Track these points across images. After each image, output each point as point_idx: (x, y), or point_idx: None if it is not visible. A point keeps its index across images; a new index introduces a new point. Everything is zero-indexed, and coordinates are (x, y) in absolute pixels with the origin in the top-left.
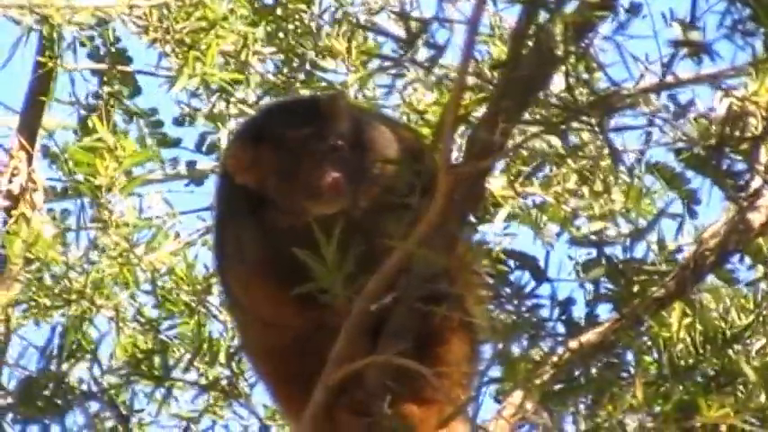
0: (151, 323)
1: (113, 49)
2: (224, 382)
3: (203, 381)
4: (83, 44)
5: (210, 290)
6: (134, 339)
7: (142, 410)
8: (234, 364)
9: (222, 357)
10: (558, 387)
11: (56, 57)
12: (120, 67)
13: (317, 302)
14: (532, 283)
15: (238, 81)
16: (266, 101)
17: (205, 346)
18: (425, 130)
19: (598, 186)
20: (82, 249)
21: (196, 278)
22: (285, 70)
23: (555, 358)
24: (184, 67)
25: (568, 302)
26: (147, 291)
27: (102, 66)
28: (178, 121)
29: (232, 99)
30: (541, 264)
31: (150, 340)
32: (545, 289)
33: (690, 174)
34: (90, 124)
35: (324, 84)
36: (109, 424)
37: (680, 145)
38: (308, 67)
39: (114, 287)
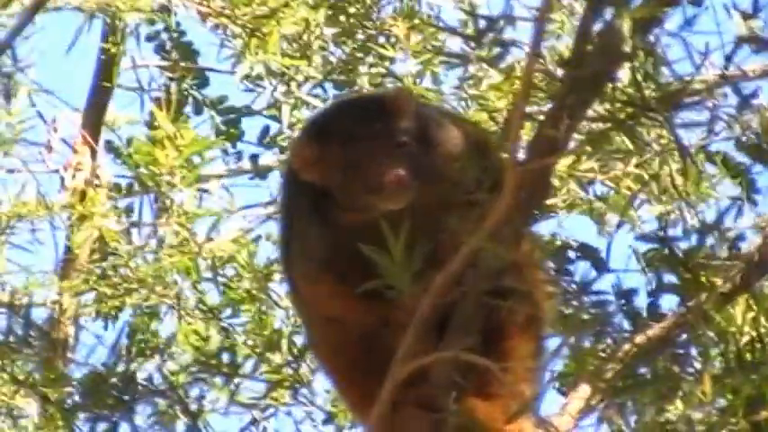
0: (212, 311)
1: (179, 42)
2: (288, 371)
3: (268, 375)
4: (149, 38)
5: (271, 277)
6: (196, 327)
7: (211, 410)
8: (296, 352)
9: (284, 345)
10: (625, 382)
11: (118, 44)
12: (186, 64)
13: (384, 299)
14: (594, 274)
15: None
16: (328, 88)
17: (266, 333)
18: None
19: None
20: (143, 240)
21: (257, 266)
22: (346, 49)
23: (621, 353)
24: (246, 51)
25: (631, 293)
26: (209, 278)
27: (167, 62)
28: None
29: (293, 83)
30: (602, 255)
31: (212, 327)
32: (607, 281)
33: (751, 165)
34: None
35: (384, 69)
36: (177, 420)
37: (743, 138)
38: (368, 53)
39: (175, 276)
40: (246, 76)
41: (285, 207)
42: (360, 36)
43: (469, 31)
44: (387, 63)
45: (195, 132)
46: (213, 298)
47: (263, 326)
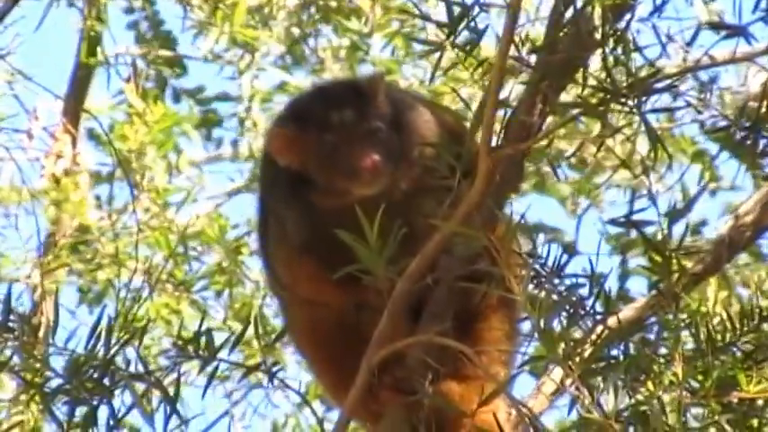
0: (183, 284)
1: (159, 31)
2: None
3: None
4: (130, 26)
5: (240, 250)
6: (168, 301)
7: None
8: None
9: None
10: (597, 364)
11: (100, 20)
12: (164, 52)
13: (360, 283)
14: (564, 258)
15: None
16: (288, 58)
17: (237, 306)
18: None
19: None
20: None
21: (227, 240)
22: (305, 17)
23: (593, 336)
24: (211, 22)
25: (602, 277)
26: (179, 253)
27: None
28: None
29: (256, 55)
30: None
31: (182, 301)
32: (578, 264)
33: (716, 151)
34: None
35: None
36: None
37: (709, 123)
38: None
39: (147, 251)
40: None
41: (263, 191)
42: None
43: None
44: (351, 36)
45: (166, 108)
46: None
47: (234, 299)
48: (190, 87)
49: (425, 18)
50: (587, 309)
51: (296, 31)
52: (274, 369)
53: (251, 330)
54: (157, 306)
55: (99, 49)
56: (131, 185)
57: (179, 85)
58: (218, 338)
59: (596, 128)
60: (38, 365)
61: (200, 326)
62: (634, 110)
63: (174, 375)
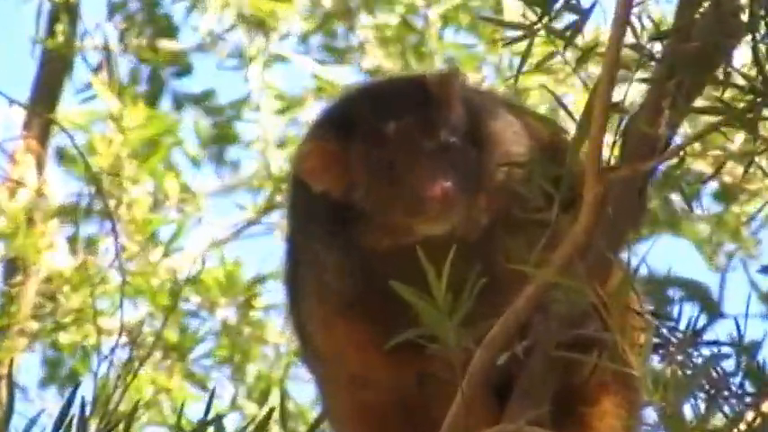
0: (175, 349)
1: (153, 15)
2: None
3: None
4: (113, 9)
5: (253, 302)
6: (154, 377)
7: None
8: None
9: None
10: None
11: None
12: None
13: (425, 353)
14: (703, 320)
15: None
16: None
17: (250, 381)
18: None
19: None
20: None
21: (235, 286)
22: None
23: (742, 424)
24: None
25: (754, 347)
26: (171, 307)
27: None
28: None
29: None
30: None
31: (176, 373)
32: (722, 328)
33: None
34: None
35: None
36: None
37: None
38: None
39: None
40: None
41: (291, 227)
42: None
43: None
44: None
45: (150, 111)
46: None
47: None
48: (195, 92)
49: None
50: (733, 388)
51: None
52: None
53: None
54: (143, 381)
55: (72, 30)
56: (110, 218)
57: (180, 89)
58: (229, 427)
59: (740, 140)
60: None
61: (207, 411)
62: None
63: None
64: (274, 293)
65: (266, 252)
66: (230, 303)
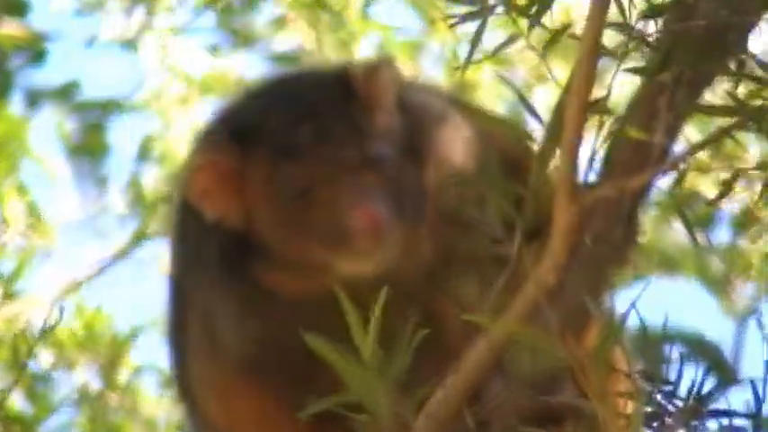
0: (19, 421)
1: None
2: None
3: None
4: None
5: (122, 361)
6: None
7: None
8: None
9: None
10: None
11: None
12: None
13: (348, 425)
14: (710, 384)
15: None
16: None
17: None
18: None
19: None
20: None
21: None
22: None
23: None
24: None
25: None
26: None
27: None
28: None
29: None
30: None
31: None
32: (732, 395)
33: None
34: None
35: None
36: None
37: None
38: None
39: None
40: None
41: (178, 265)
42: None
43: None
44: None
45: None
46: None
47: None
48: (54, 84)
49: None
50: None
51: None
52: None
53: None
54: None
55: None
56: None
57: (34, 81)
58: None
59: (755, 150)
60: None
61: None
62: None
63: None
64: (150, 350)
65: (139, 296)
66: (92, 363)
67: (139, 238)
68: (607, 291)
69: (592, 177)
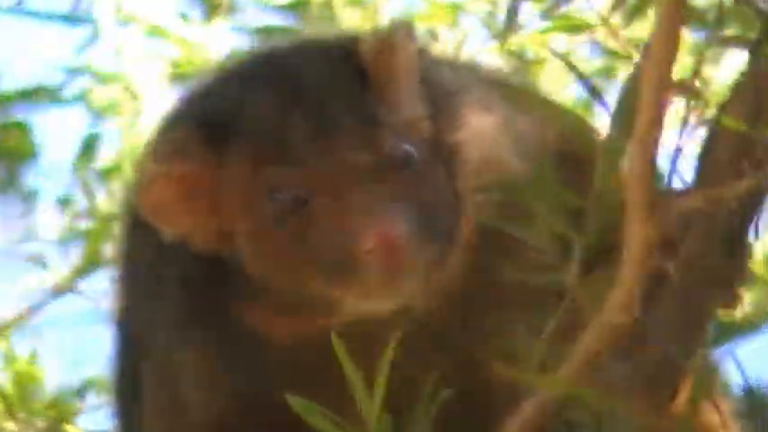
0: None
1: None
2: None
3: None
4: None
5: (64, 425)
6: None
7: None
8: None
9: None
10: None
11: None
12: None
13: None
14: None
15: None
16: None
17: None
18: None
19: None
20: None
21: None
22: None
23: None
24: None
25: None
26: None
27: None
28: None
29: None
30: None
31: None
32: None
33: None
34: None
35: None
36: None
37: None
38: None
39: None
40: None
41: (127, 301)
42: None
43: None
44: None
45: None
46: None
47: None
48: None
49: None
50: None
51: None
52: None
53: None
54: None
55: None
56: None
57: None
58: None
59: None
60: None
61: None
62: None
63: None
64: (99, 411)
65: (82, 341)
66: (24, 428)
67: (82, 269)
68: (702, 337)
69: (679, 182)
